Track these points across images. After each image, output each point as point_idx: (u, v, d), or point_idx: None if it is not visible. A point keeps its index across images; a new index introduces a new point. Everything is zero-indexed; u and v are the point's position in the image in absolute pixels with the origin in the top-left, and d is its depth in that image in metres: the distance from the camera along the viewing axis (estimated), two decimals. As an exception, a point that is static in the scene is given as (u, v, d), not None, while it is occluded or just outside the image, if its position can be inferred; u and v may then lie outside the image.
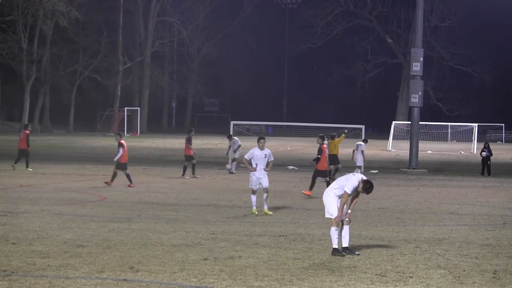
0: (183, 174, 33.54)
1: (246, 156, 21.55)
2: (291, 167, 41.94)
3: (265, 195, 21.13)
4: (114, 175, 28.69)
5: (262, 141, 21.40)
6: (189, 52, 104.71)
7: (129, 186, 28.18)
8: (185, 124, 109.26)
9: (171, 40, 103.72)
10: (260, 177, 21.26)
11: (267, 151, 21.43)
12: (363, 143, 37.20)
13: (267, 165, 21.45)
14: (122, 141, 29.22)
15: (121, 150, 28.86)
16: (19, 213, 19.91)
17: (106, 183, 28.54)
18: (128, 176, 28.69)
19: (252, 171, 21.36)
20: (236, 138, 39.13)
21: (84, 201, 23.31)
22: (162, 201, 23.69)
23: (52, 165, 38.36)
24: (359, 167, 35.95)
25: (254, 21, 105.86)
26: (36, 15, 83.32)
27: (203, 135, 79.03)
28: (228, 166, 37.81)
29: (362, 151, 36.22)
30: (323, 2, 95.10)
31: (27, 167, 35.34)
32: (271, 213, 20.98)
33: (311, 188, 26.70)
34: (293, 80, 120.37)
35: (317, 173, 27.32)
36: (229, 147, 38.23)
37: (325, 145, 27.79)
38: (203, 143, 65.62)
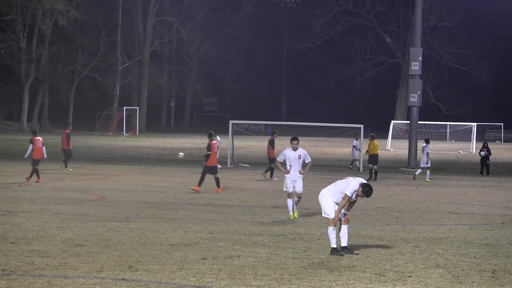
0: (271, 176, 33.57)
1: (278, 158, 20.39)
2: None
3: (296, 199, 20.02)
4: (33, 171, 29.23)
5: (294, 141, 19.94)
6: (188, 51, 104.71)
7: (26, 179, 28.77)
8: (184, 123, 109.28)
9: (170, 39, 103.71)
10: (295, 180, 19.96)
11: (301, 151, 20.02)
12: (428, 145, 36.94)
13: (304, 167, 20.22)
14: (35, 138, 29.92)
15: (30, 146, 29.61)
16: (18, 212, 19.91)
17: (36, 181, 28.77)
18: (36, 171, 29.09)
19: (285, 173, 20.11)
20: (218, 137, 38.72)
21: (83, 200, 23.30)
22: (161, 201, 23.69)
23: (51, 165, 38.33)
24: (423, 168, 35.69)
25: (253, 20, 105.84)
26: (35, 14, 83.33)
27: (202, 134, 78.94)
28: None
29: (428, 153, 36.10)
30: (322, 2, 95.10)
31: (65, 166, 35.97)
32: (297, 216, 20.00)
33: (199, 184, 26.94)
34: (292, 80, 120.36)
35: (207, 170, 27.35)
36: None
37: (214, 142, 27.80)
38: (202, 142, 65.62)
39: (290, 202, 20.00)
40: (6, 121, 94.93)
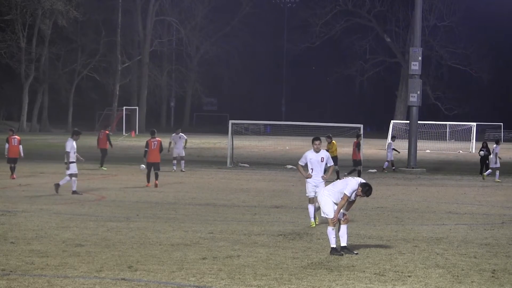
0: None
1: (300, 161, 18.62)
2: (290, 166, 41.89)
3: (317, 204, 17.85)
4: (11, 168, 30.33)
5: (317, 142, 18.12)
6: (187, 51, 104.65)
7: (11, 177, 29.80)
8: (184, 123, 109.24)
9: (169, 39, 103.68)
10: (317, 185, 18.18)
11: (324, 153, 18.30)
12: (498, 146, 37.15)
13: (326, 171, 18.55)
14: (11, 137, 30.91)
15: (6, 145, 30.71)
16: (18, 212, 19.91)
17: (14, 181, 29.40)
18: (13, 168, 30.23)
19: (307, 177, 18.41)
20: (180, 133, 38.49)
21: (83, 200, 23.31)
22: (161, 200, 23.70)
23: (51, 164, 38.36)
24: (495, 168, 36.04)
25: (252, 20, 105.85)
26: (35, 14, 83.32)
27: (202, 134, 78.99)
28: (176, 166, 37.64)
29: (497, 153, 36.38)
30: (322, 2, 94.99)
31: (101, 166, 37.29)
32: (318, 222, 18.55)
33: (148, 180, 28.69)
34: (292, 80, 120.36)
35: (147, 165, 28.91)
36: (175, 142, 38.05)
37: (151, 140, 29.08)
38: (201, 142, 65.65)
39: (311, 208, 18.49)
40: (6, 121, 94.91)
